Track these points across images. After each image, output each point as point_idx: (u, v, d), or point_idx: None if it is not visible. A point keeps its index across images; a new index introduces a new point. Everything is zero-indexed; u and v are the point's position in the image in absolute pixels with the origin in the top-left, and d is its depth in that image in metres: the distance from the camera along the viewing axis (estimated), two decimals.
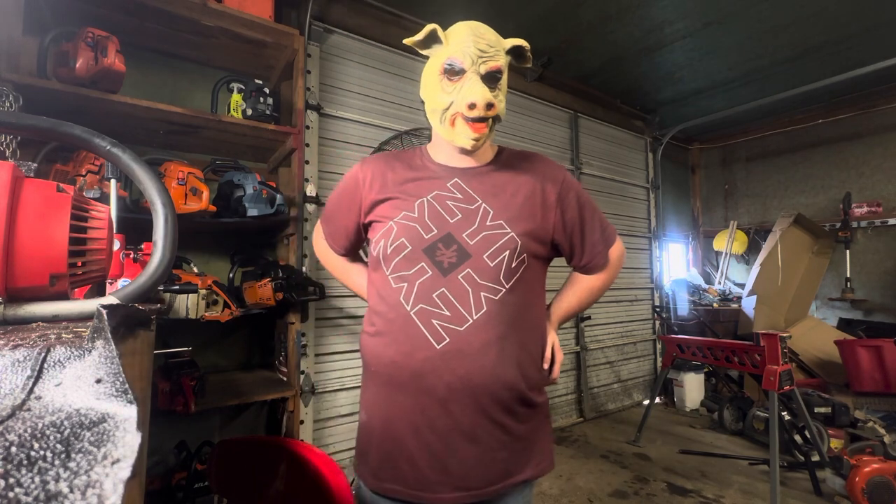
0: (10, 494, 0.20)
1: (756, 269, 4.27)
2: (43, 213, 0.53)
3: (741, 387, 4.00)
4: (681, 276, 5.28)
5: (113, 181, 1.32)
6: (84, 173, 1.59)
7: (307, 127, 2.45)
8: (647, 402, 3.75)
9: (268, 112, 2.13)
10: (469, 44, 0.90)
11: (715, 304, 4.83)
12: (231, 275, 2.20)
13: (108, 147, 0.64)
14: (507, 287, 0.93)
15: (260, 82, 2.18)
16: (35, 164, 1.15)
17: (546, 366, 1.01)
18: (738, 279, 5.29)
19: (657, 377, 4.00)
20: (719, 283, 5.28)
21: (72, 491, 0.21)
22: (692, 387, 4.18)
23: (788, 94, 3.89)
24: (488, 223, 0.95)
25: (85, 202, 0.62)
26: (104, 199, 1.40)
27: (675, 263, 5.61)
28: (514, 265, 0.93)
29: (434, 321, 0.90)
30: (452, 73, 0.91)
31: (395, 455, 0.91)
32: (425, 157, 1.05)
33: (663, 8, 2.94)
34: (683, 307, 4.76)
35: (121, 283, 1.16)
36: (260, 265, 2.19)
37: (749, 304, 4.22)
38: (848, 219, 4.45)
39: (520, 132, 3.68)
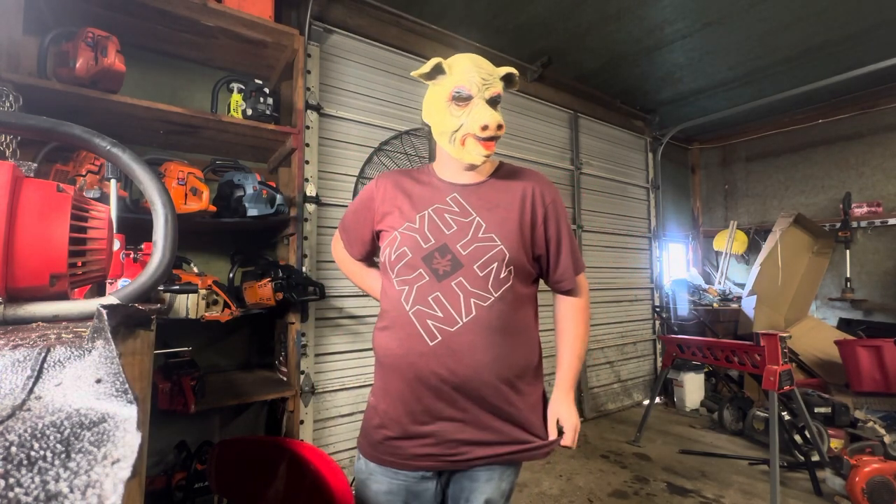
0: (10, 494, 0.20)
1: (756, 269, 4.26)
2: (43, 213, 0.53)
3: (741, 387, 4.00)
4: (681, 276, 5.27)
5: (113, 181, 1.32)
6: (84, 173, 1.59)
7: (307, 127, 2.45)
8: (647, 402, 3.75)
9: (268, 112, 2.13)
10: (473, 73, 1.01)
11: (715, 304, 4.82)
12: (231, 275, 2.20)
13: (108, 147, 0.64)
14: (495, 295, 1.02)
15: (260, 82, 2.18)
16: (35, 164, 1.15)
17: (552, 437, 1.07)
18: (738, 279, 5.28)
19: (657, 377, 4.00)
20: (719, 283, 5.28)
21: (72, 491, 0.21)
22: (692, 387, 4.18)
23: (788, 94, 3.89)
24: (480, 235, 1.04)
25: (85, 202, 0.62)
26: (104, 199, 1.40)
27: (675, 263, 5.60)
28: (502, 276, 1.03)
29: (429, 321, 1.01)
30: (461, 99, 1.02)
31: (393, 432, 1.04)
32: (431, 174, 1.16)
33: (663, 8, 2.93)
34: (683, 307, 4.75)
35: (121, 283, 1.16)
36: (260, 265, 2.18)
37: (749, 304, 4.21)
38: (848, 219, 4.45)
39: (520, 132, 3.67)
